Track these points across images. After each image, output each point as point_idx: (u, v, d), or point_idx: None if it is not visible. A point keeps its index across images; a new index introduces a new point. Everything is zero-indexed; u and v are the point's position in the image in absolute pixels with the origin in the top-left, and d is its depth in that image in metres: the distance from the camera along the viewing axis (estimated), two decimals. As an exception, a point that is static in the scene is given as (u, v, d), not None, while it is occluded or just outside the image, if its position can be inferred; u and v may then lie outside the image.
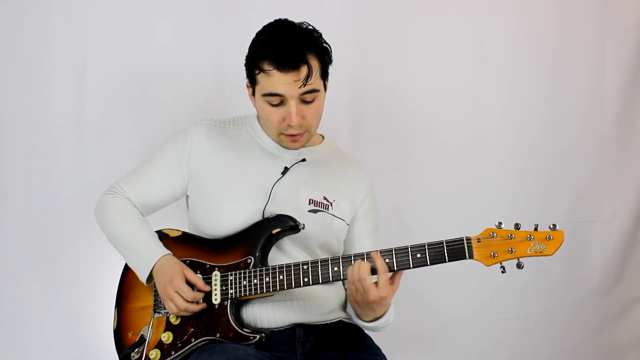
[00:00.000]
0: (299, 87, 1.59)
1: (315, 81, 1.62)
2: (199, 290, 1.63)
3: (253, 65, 1.63)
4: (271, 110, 1.64)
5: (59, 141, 2.36)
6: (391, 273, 1.54)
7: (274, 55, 1.58)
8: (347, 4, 2.44)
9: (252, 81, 1.67)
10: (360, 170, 1.85)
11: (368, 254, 1.55)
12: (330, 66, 1.69)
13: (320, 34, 1.66)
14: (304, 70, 1.59)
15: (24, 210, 2.36)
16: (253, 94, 1.69)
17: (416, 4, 2.49)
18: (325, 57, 1.65)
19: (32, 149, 2.36)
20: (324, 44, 1.66)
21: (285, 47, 1.57)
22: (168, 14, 2.37)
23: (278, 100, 1.62)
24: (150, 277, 1.67)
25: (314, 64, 1.61)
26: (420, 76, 2.50)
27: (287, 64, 1.57)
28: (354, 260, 1.56)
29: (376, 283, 1.52)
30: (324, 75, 1.68)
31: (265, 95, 1.63)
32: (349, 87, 2.42)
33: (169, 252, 1.68)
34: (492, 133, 2.54)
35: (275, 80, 1.59)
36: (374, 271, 1.53)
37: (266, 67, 1.60)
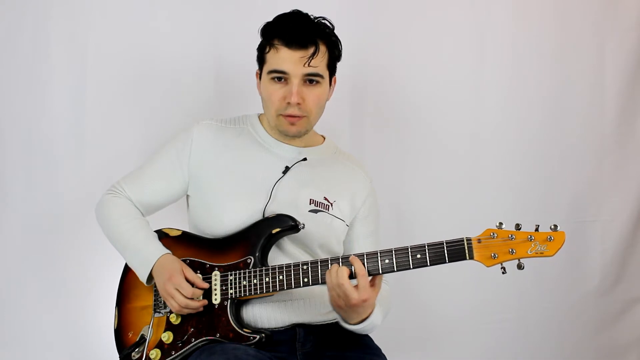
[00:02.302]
0: (304, 65, 1.63)
1: (320, 66, 1.66)
2: (197, 288, 1.63)
3: (265, 42, 1.68)
4: (274, 88, 1.67)
5: (59, 141, 2.36)
6: (371, 276, 1.54)
7: (285, 33, 1.64)
8: (346, 4, 2.43)
9: (261, 63, 1.71)
10: (362, 172, 1.85)
11: (346, 257, 1.55)
12: (337, 62, 1.73)
13: (334, 28, 1.71)
14: (311, 50, 1.64)
15: (24, 211, 2.36)
16: (260, 77, 1.73)
17: (416, 4, 2.48)
18: (334, 50, 1.70)
19: (32, 149, 2.35)
20: (335, 38, 1.71)
21: (298, 27, 1.64)
22: (168, 14, 2.37)
23: (282, 76, 1.66)
24: (150, 277, 1.67)
25: (322, 49, 1.66)
26: (421, 76, 2.50)
27: (296, 41, 1.63)
28: (342, 263, 1.55)
29: (357, 286, 1.52)
30: (331, 68, 1.71)
31: (270, 72, 1.67)
32: (349, 86, 2.41)
33: (168, 251, 1.68)
34: (492, 133, 2.54)
35: (282, 56, 1.64)
36: (353, 275, 1.53)
37: (276, 43, 1.65)
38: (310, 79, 1.66)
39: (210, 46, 2.39)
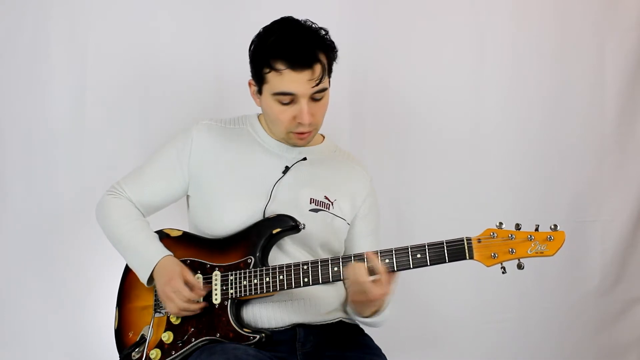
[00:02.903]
0: (312, 87, 1.60)
1: (325, 79, 1.63)
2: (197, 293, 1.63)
3: (263, 63, 1.61)
4: (281, 109, 1.64)
5: (59, 141, 2.36)
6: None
7: (288, 55, 1.57)
8: (347, 3, 2.43)
9: (260, 80, 1.65)
10: (362, 170, 1.85)
11: (365, 254, 1.55)
12: (334, 63, 1.70)
13: (327, 32, 1.65)
14: (317, 69, 1.59)
15: (24, 210, 2.36)
16: (259, 92, 1.68)
17: (417, 3, 2.48)
18: (331, 55, 1.66)
19: (32, 149, 2.36)
20: (331, 42, 1.66)
21: (299, 47, 1.57)
22: (168, 13, 2.37)
23: (289, 99, 1.62)
24: (151, 279, 1.67)
25: (324, 62, 1.62)
26: (421, 76, 2.50)
27: (302, 63, 1.57)
28: (354, 260, 1.55)
29: (376, 281, 1.52)
30: (330, 73, 1.68)
31: (276, 94, 1.62)
32: (349, 86, 2.42)
33: (169, 253, 1.68)
34: (492, 133, 2.54)
35: (287, 79, 1.59)
36: (372, 271, 1.52)
37: (279, 66, 1.58)
38: (317, 97, 1.64)
39: (211, 46, 2.39)
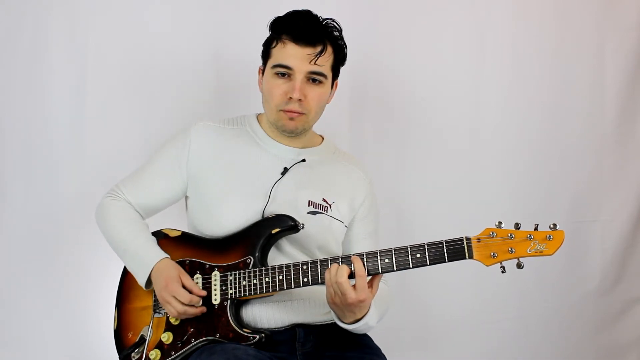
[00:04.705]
0: (309, 62, 1.64)
1: (325, 65, 1.67)
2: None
3: (273, 37, 1.69)
4: (276, 83, 1.68)
5: (59, 141, 2.35)
6: (369, 277, 1.54)
7: (295, 29, 1.65)
8: (346, 2, 2.43)
9: (266, 56, 1.72)
10: (360, 172, 1.85)
11: (347, 257, 1.55)
12: (341, 67, 1.75)
13: (341, 31, 1.72)
14: (318, 48, 1.65)
15: (24, 211, 2.35)
16: (263, 72, 1.73)
17: (416, 3, 2.48)
18: (340, 53, 1.72)
19: (32, 149, 2.35)
20: (342, 42, 1.72)
21: (308, 25, 1.65)
22: (168, 13, 2.37)
23: (285, 71, 1.66)
24: (149, 282, 1.67)
25: (329, 50, 1.67)
26: (421, 76, 2.50)
27: (305, 39, 1.64)
28: (341, 261, 1.55)
29: (354, 286, 1.52)
30: (334, 71, 1.72)
31: (275, 66, 1.67)
32: (349, 86, 2.41)
33: (167, 255, 1.68)
34: (492, 133, 2.54)
35: (288, 51, 1.65)
36: (353, 275, 1.53)
37: (284, 38, 1.66)
38: (314, 78, 1.67)
39: (211, 46, 2.39)
